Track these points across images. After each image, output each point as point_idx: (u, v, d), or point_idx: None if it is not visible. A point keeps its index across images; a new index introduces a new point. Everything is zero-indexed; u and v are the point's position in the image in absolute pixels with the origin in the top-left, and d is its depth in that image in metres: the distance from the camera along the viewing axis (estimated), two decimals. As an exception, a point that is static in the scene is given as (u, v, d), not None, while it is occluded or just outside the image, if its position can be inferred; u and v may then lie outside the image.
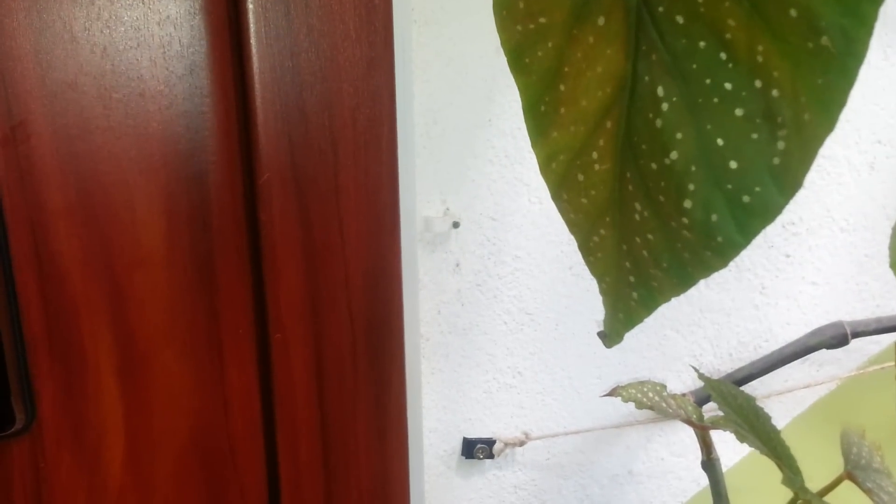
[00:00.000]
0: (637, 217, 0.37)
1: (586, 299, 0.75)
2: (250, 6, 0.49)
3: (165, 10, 0.47)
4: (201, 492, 0.56)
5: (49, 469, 0.51)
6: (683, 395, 0.64)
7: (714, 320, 0.84)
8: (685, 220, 0.35)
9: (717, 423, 0.58)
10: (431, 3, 0.57)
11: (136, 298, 0.51)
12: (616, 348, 0.77)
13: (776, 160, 0.32)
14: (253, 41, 0.49)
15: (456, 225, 0.67)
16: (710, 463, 0.63)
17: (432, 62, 0.59)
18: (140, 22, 0.47)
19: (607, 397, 0.67)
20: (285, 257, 0.53)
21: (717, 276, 0.81)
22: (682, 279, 0.38)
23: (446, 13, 0.59)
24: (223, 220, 0.52)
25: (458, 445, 0.76)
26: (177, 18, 0.48)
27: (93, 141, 0.47)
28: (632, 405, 0.82)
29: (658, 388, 0.63)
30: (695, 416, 0.60)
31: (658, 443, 0.84)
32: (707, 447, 0.63)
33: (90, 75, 0.46)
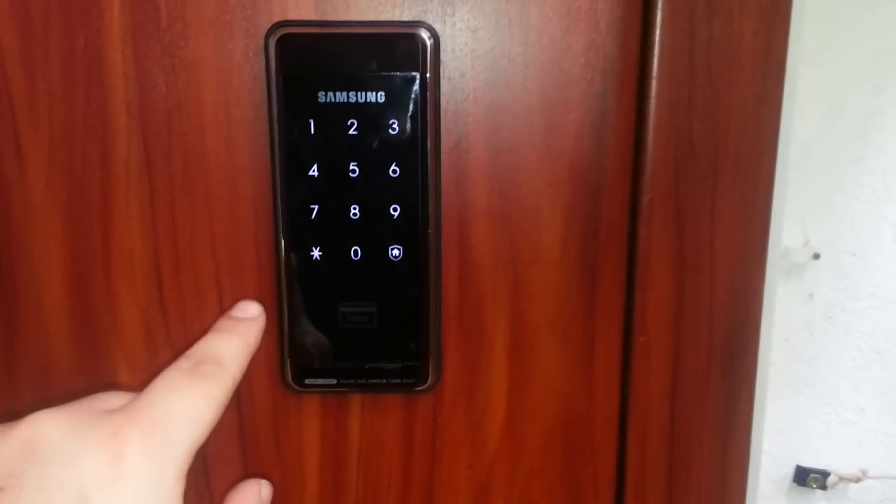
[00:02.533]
0: None
1: (945, 347, 0.72)
2: (656, 51, 0.55)
3: (585, 55, 0.56)
4: (561, 465, 0.63)
5: (444, 423, 0.61)
6: None
7: None
8: None
9: None
10: (819, 43, 0.60)
11: (530, 290, 0.60)
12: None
13: None
14: (654, 75, 0.56)
15: (816, 256, 0.69)
16: None
17: (812, 99, 0.61)
18: (567, 65, 0.55)
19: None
20: (657, 269, 0.59)
21: None
22: None
23: (831, 53, 0.61)
24: (610, 231, 0.59)
25: (790, 471, 0.77)
26: (594, 61, 0.56)
27: (516, 156, 0.57)
28: None
29: None
30: None
31: None
32: None
33: (522, 102, 0.56)
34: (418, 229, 0.55)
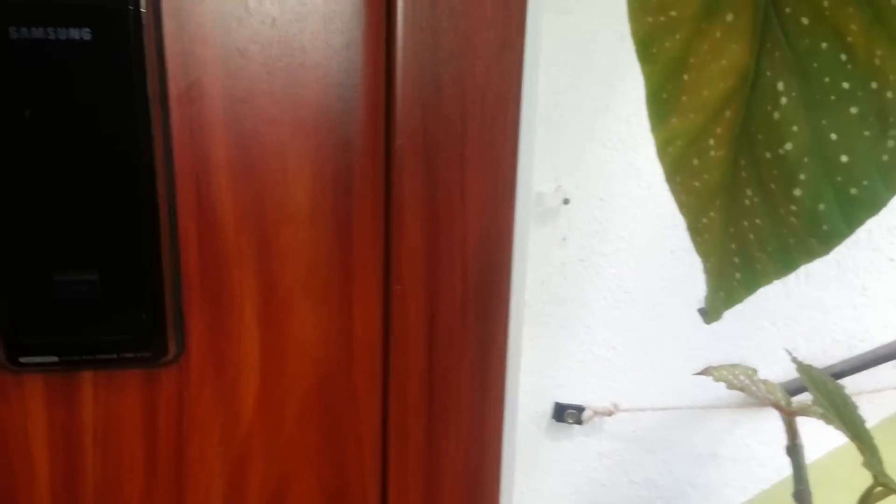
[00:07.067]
0: (747, 202, 0.41)
1: (685, 283, 0.78)
2: (400, -12, 0.53)
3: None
4: (322, 433, 0.61)
5: (192, 398, 0.57)
6: (774, 382, 0.67)
7: (811, 316, 0.85)
8: (793, 208, 0.38)
9: (804, 409, 0.61)
10: (561, -8, 0.61)
11: (280, 251, 0.57)
12: (710, 335, 0.79)
13: (885, 157, 0.34)
14: (400, 19, 0.54)
15: (566, 202, 0.71)
16: (794, 448, 0.66)
17: (558, 48, 0.63)
18: (309, 6, 0.52)
19: (698, 376, 0.70)
20: (411, 216, 0.58)
21: (818, 274, 0.82)
22: (785, 263, 0.41)
23: (575, 3, 0.63)
24: (363, 185, 0.57)
25: (549, 408, 0.80)
26: (338, 4, 0.53)
27: (256, 104, 0.53)
28: (720, 389, 0.84)
29: (749, 371, 0.65)
30: (783, 402, 0.63)
31: (743, 429, 0.86)
32: (792, 432, 0.65)
33: (259, 44, 0.52)
34: (144, 187, 0.50)
